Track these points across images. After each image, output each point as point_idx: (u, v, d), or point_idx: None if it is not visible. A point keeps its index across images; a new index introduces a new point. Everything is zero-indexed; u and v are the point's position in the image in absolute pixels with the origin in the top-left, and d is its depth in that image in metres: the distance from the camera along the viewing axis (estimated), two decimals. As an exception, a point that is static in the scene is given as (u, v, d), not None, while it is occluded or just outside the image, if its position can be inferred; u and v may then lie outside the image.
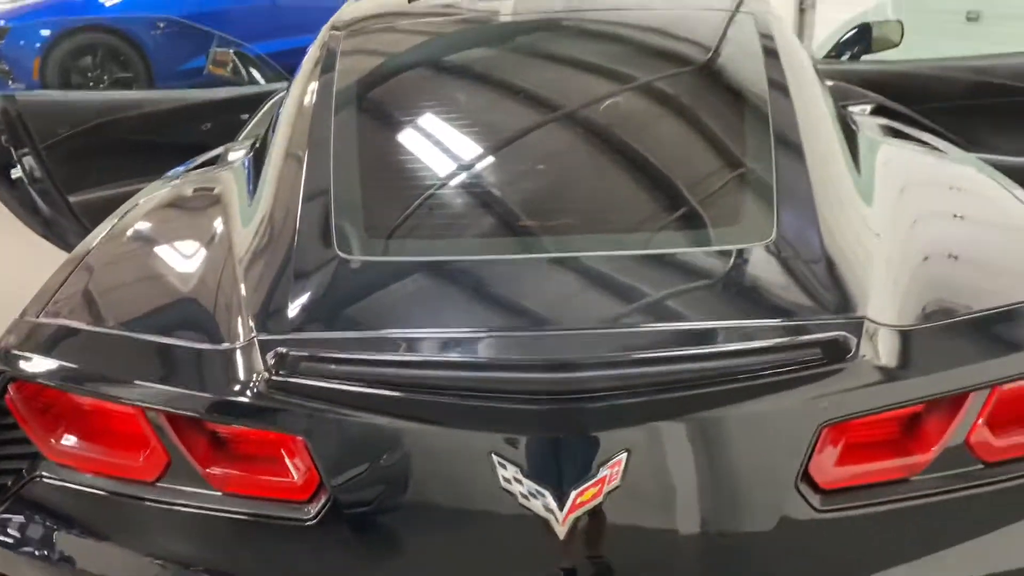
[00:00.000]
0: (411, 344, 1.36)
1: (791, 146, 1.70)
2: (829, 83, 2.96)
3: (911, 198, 1.75)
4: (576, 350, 1.30)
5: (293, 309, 1.43)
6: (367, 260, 1.58)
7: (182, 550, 1.41)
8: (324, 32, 2.31)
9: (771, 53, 1.98)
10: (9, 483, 1.50)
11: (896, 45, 3.77)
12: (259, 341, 1.37)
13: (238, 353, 1.38)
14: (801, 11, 6.97)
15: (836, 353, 1.27)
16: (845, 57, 3.82)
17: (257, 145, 2.17)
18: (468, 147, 1.89)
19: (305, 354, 1.31)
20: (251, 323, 1.42)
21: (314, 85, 2.01)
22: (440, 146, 1.90)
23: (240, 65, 3.98)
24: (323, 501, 1.33)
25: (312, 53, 2.23)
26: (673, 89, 2.03)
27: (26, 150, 3.19)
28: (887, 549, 1.33)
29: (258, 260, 1.60)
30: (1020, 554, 1.35)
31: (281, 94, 2.41)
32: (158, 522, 1.41)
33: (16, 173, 3.32)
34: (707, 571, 1.32)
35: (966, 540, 1.34)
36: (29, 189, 3.30)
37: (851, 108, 3.05)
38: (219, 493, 1.38)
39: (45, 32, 7.27)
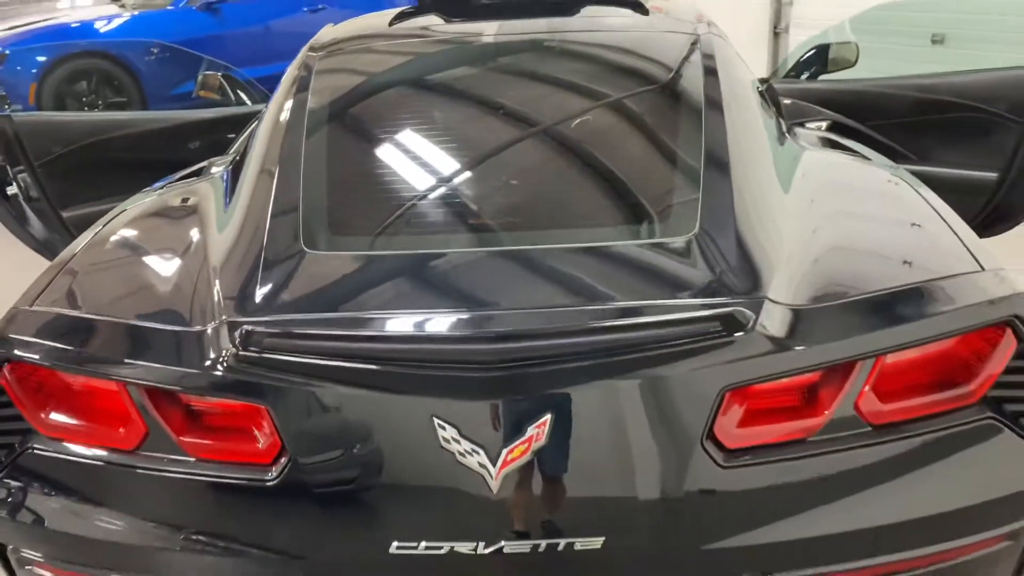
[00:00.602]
0: (362, 322, 1.53)
1: (718, 156, 1.87)
2: (787, 101, 3.15)
3: (822, 198, 1.92)
4: (507, 326, 1.47)
5: (260, 295, 1.60)
6: (329, 254, 1.75)
7: (159, 510, 1.56)
8: (302, 53, 2.50)
9: (710, 72, 2.15)
10: (3, 456, 1.66)
11: (852, 65, 3.96)
12: (228, 323, 1.53)
13: (209, 333, 1.54)
14: (775, 35, 7.17)
15: (735, 325, 1.43)
16: (804, 76, 4.00)
17: (236, 159, 2.34)
18: (425, 157, 2.07)
19: (269, 332, 1.48)
20: (222, 307, 1.58)
21: (290, 103, 2.19)
22: (399, 157, 2.10)
23: (228, 88, 4.16)
24: (283, 464, 1.48)
25: (289, 72, 2.42)
26: (617, 104, 2.21)
27: (21, 167, 3.35)
28: (786, 502, 1.48)
29: (230, 254, 1.77)
30: (904, 507, 1.50)
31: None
32: (138, 486, 1.56)
33: (12, 190, 3.48)
34: (624, 521, 1.47)
35: (856, 494, 1.49)
36: (24, 205, 3.46)
37: (808, 124, 3.24)
38: (192, 459, 1.54)
39: (41, 58, 7.47)
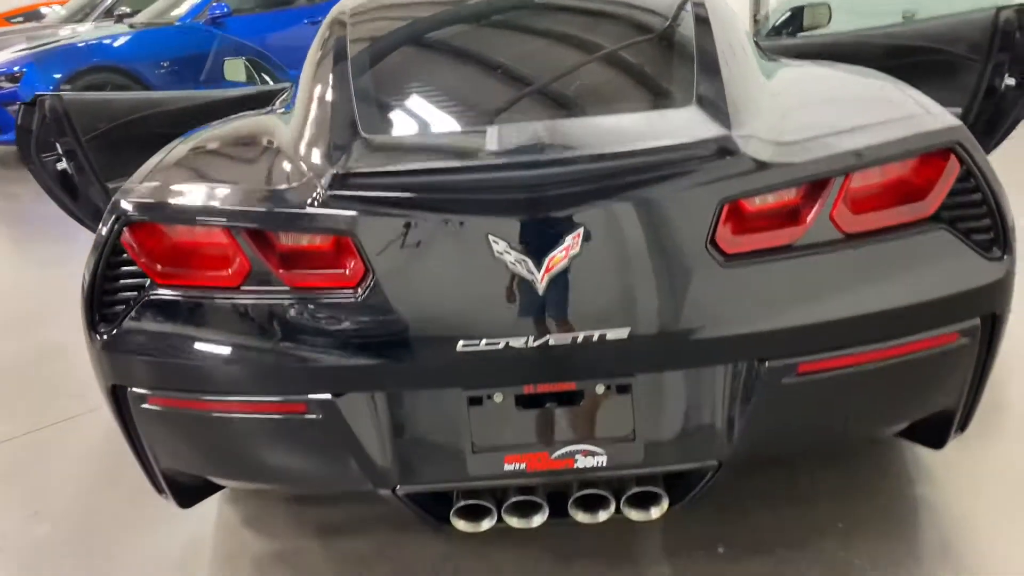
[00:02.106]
0: (422, 168, 1.87)
1: (708, 53, 2.23)
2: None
3: (797, 82, 2.29)
4: (546, 156, 1.81)
5: (336, 161, 1.93)
6: (382, 136, 2.10)
7: (261, 335, 1.86)
8: (332, 11, 2.85)
9: (701, 5, 2.52)
10: (126, 304, 1.96)
11: (825, 25, 4.32)
12: (317, 175, 1.87)
13: (302, 184, 1.89)
14: None
15: (728, 150, 1.77)
16: (783, 35, 4.38)
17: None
18: (455, 69, 2.45)
19: (355, 173, 1.82)
20: (307, 168, 1.94)
21: (329, 36, 2.55)
22: (431, 66, 2.48)
23: (252, 70, 4.50)
24: (367, 284, 1.79)
25: (325, 23, 2.77)
26: (630, 26, 2.59)
27: (70, 142, 3.67)
28: (775, 297, 1.80)
29: (303, 139, 2.12)
30: (873, 301, 1.82)
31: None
32: (243, 317, 1.87)
33: (61, 165, 3.80)
34: (646, 314, 1.78)
35: (833, 291, 1.81)
36: (72, 177, 3.77)
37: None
38: (289, 288, 1.86)
39: (58, 75, 7.83)
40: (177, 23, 8.49)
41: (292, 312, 1.84)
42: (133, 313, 1.93)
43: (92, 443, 3.25)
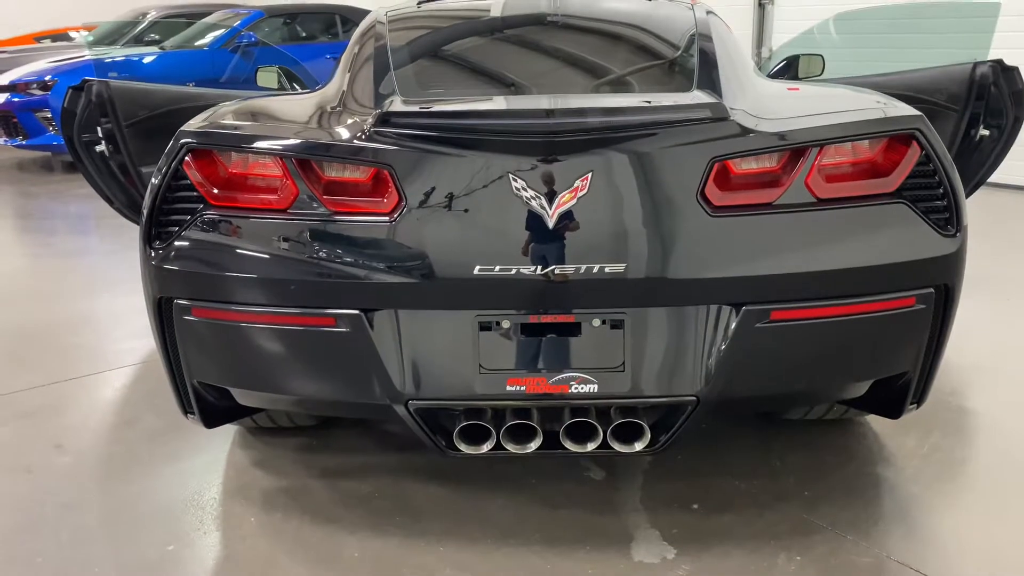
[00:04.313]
0: (458, 111, 2.16)
1: (707, 54, 2.54)
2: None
3: (787, 84, 2.59)
4: (563, 108, 2.09)
5: (381, 103, 2.23)
6: (417, 98, 2.36)
7: (301, 253, 2.08)
8: (368, 17, 3.17)
9: (703, 19, 2.83)
10: (180, 225, 2.18)
11: (819, 74, 4.64)
12: (361, 114, 2.16)
13: (351, 119, 2.18)
14: (760, 6, 7.81)
15: (718, 114, 2.05)
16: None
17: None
18: (478, 58, 2.76)
19: (395, 112, 2.08)
20: (356, 111, 2.23)
21: (368, 30, 2.87)
22: (463, 55, 2.79)
23: (285, 79, 4.81)
24: (401, 209, 2.04)
25: (362, 25, 3.08)
26: (643, 32, 2.91)
27: (110, 124, 3.93)
28: (754, 248, 2.04)
29: (352, 93, 2.43)
30: (839, 259, 2.06)
31: None
32: (290, 236, 2.09)
33: (100, 147, 4.05)
34: (640, 253, 2.01)
35: (805, 247, 2.06)
36: (108, 159, 4.03)
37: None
38: (331, 212, 2.09)
39: (87, 86, 8.13)
40: (206, 48, 8.88)
41: (331, 234, 2.08)
42: (186, 231, 2.17)
43: (112, 394, 3.46)
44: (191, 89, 4.88)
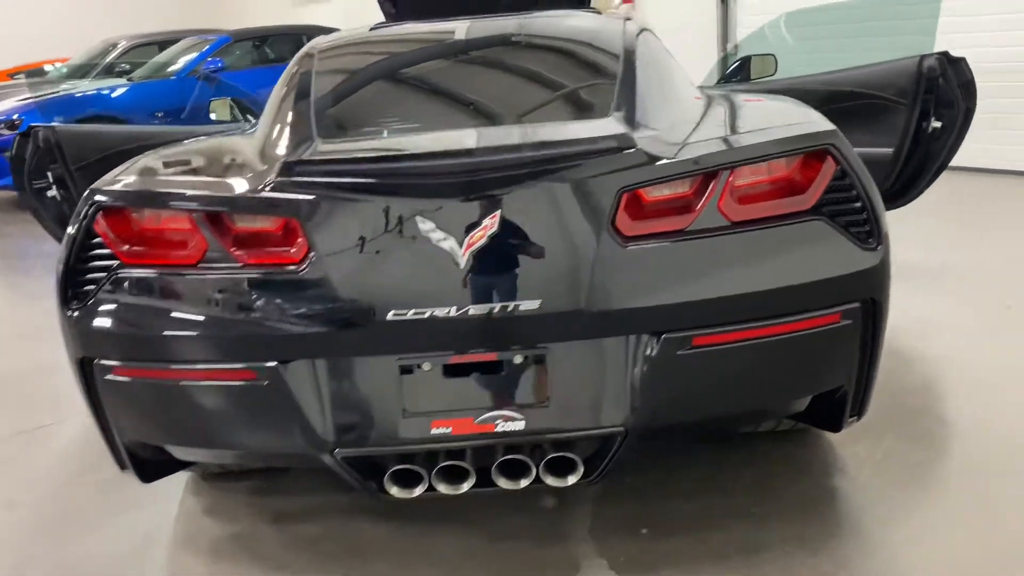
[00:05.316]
0: (360, 157, 2.15)
1: (629, 76, 2.51)
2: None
3: (714, 106, 2.59)
4: (468, 148, 2.06)
5: (292, 151, 2.21)
6: (333, 140, 2.34)
7: (214, 308, 2.07)
8: (305, 47, 3.15)
9: (631, 36, 2.80)
10: (96, 283, 2.16)
11: (772, 74, 4.62)
12: (271, 166, 2.13)
13: (258, 174, 2.14)
14: (723, 2, 7.78)
15: (624, 145, 2.02)
16: (733, 83, 4.67)
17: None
18: (400, 91, 2.74)
19: (295, 161, 2.08)
20: (263, 161, 2.19)
21: (298, 65, 2.84)
22: (383, 89, 2.78)
23: (237, 110, 4.79)
24: (310, 259, 2.02)
25: (296, 56, 3.06)
26: (568, 56, 2.89)
27: (59, 169, 3.92)
28: (669, 276, 2.02)
29: (267, 139, 2.40)
30: (759, 281, 2.04)
31: None
32: (199, 291, 2.08)
33: (51, 192, 4.04)
34: (554, 288, 1.99)
35: (722, 271, 2.03)
36: (63, 205, 4.01)
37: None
38: (241, 265, 2.07)
39: (56, 121, 8.14)
40: (173, 77, 8.87)
41: (242, 287, 2.06)
42: (102, 290, 2.15)
43: (69, 444, 3.44)
44: (141, 128, 4.91)
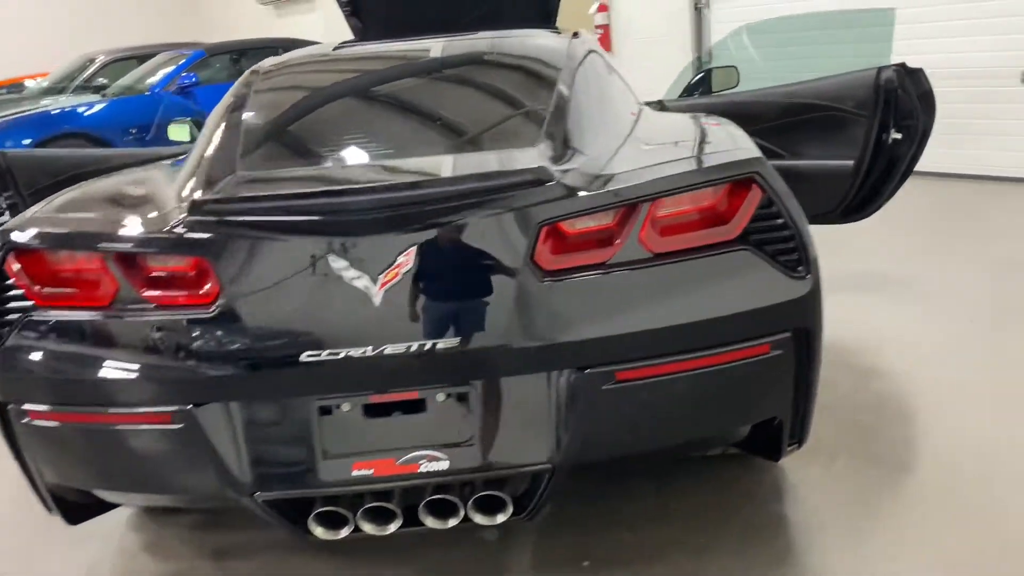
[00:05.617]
0: (269, 194, 2.09)
1: (563, 101, 2.45)
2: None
3: (656, 122, 2.57)
4: (380, 184, 2.03)
5: (207, 186, 2.16)
6: (252, 172, 2.29)
7: (128, 350, 2.03)
8: (250, 69, 3.10)
9: (572, 64, 2.74)
10: (9, 326, 2.12)
11: (734, 86, 4.59)
12: (178, 205, 2.07)
13: (168, 213, 2.08)
14: (697, 10, 7.78)
15: (542, 180, 1.97)
16: (696, 95, 4.64)
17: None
18: (330, 120, 2.67)
19: (209, 199, 2.03)
20: (175, 200, 2.13)
21: (237, 89, 2.79)
22: (315, 117, 2.71)
23: (197, 131, 4.75)
24: (221, 301, 1.97)
25: (237, 82, 3.01)
26: (507, 82, 2.83)
27: (11, 194, 3.88)
28: (592, 310, 1.97)
29: (190, 171, 2.35)
30: (684, 313, 2.00)
31: None
32: (112, 334, 2.04)
33: (3, 219, 3.99)
34: (473, 325, 1.95)
35: (646, 304, 1.99)
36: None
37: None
38: (152, 306, 2.03)
39: (28, 141, 8.10)
40: (147, 92, 8.82)
41: (154, 328, 2.02)
42: (15, 334, 2.10)
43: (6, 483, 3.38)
44: (96, 152, 4.85)
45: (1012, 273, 4.62)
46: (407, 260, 1.92)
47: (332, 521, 2.11)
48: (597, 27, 10.09)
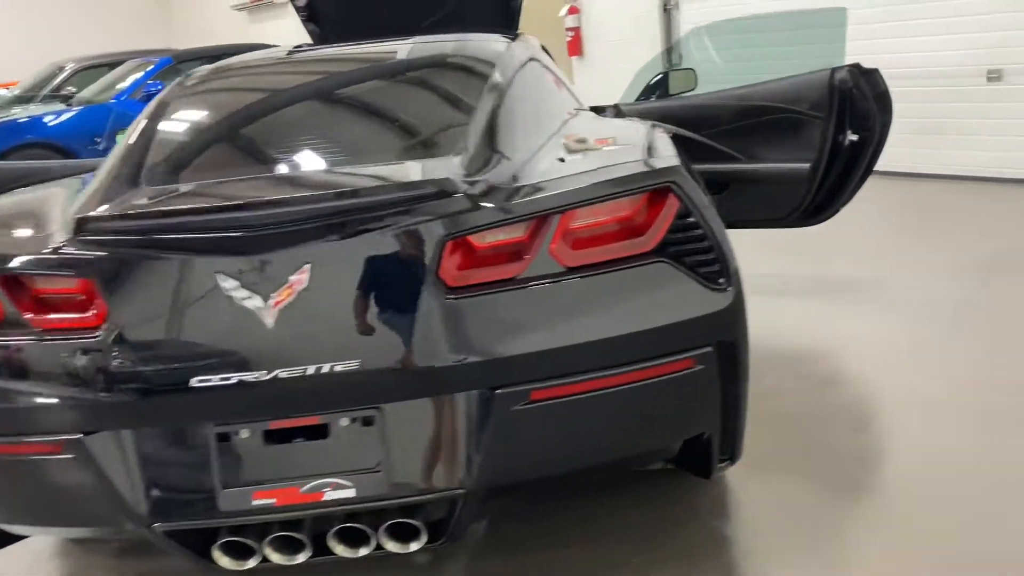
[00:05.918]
0: (156, 211, 1.99)
1: (487, 108, 2.36)
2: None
3: (585, 127, 2.47)
4: (269, 198, 1.92)
5: (100, 202, 2.06)
6: (155, 187, 2.19)
7: (15, 377, 1.93)
8: (175, 80, 3.01)
9: (506, 68, 2.64)
10: None
11: (692, 89, 4.50)
12: (65, 224, 1.98)
13: (57, 231, 1.99)
14: (666, 11, 7.74)
15: (447, 192, 1.88)
16: (653, 98, 4.56)
17: None
18: (241, 135, 2.58)
19: (95, 217, 1.93)
20: (66, 220, 2.03)
21: (149, 110, 2.70)
22: (230, 126, 2.61)
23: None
24: (108, 324, 1.87)
25: (163, 90, 2.92)
26: (436, 89, 2.73)
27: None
28: (502, 327, 1.89)
29: (95, 185, 2.25)
30: (595, 330, 1.91)
31: None
32: (1, 358, 1.94)
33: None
34: (373, 346, 1.86)
35: (557, 320, 1.90)
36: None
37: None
38: (38, 330, 1.93)
39: (-9, 150, 7.98)
40: (112, 101, 8.70)
41: (42, 354, 1.92)
42: None
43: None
44: (46, 163, 4.72)
45: (978, 274, 4.55)
46: (301, 279, 1.83)
47: (238, 551, 2.01)
48: (568, 29, 10.03)
